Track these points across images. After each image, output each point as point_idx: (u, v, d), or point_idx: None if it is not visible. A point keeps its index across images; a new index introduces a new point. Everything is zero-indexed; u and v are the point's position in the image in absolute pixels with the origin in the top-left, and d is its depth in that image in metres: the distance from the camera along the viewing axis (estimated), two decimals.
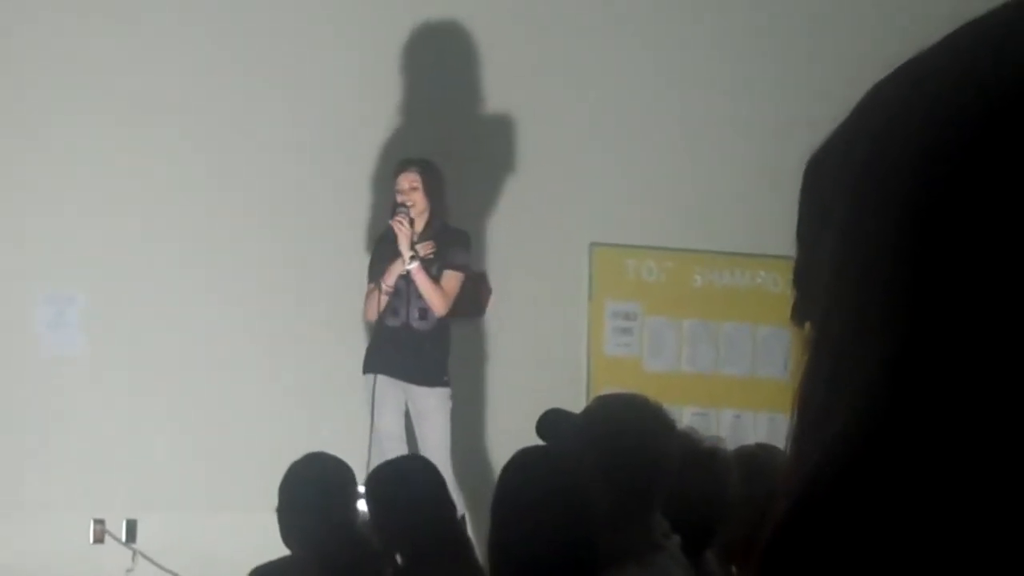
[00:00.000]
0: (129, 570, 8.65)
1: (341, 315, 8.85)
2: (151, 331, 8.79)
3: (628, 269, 9.75)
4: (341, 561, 5.36)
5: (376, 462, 6.82)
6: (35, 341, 8.72)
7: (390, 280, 8.31)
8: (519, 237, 9.44)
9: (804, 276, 0.75)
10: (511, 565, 3.93)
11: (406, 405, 8.35)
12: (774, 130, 9.33)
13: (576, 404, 5.34)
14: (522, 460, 4.08)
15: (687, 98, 9.75)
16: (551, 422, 4.46)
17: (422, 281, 8.27)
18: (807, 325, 0.74)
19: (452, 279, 8.38)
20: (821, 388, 0.71)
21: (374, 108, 9.22)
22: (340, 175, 9.13)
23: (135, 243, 8.82)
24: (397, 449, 8.02)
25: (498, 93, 9.52)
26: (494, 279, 9.17)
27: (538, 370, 9.25)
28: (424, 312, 8.32)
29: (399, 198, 8.31)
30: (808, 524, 0.68)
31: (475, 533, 6.75)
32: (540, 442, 4.35)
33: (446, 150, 8.88)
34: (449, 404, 8.34)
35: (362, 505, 5.62)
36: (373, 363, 8.34)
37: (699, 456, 4.56)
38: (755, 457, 4.75)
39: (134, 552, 8.67)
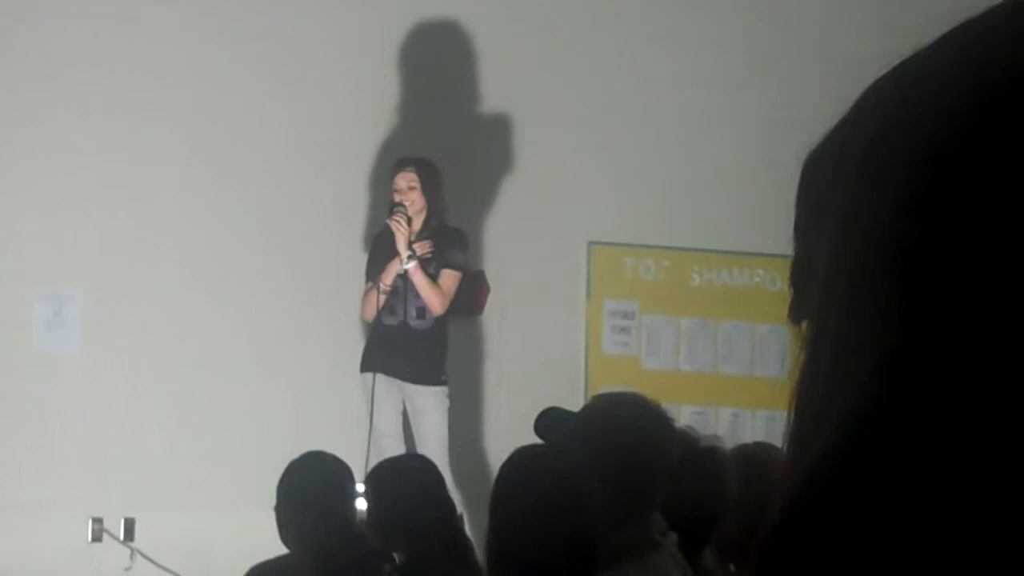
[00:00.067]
0: (127, 568, 8.65)
1: (339, 314, 8.85)
2: (149, 330, 8.79)
3: (626, 268, 9.75)
4: (339, 559, 5.35)
5: (374, 461, 6.82)
6: (33, 339, 8.71)
7: (388, 279, 8.31)
8: (517, 236, 9.44)
9: (801, 274, 0.76)
10: (509, 564, 3.93)
11: (404, 404, 8.36)
12: (771, 129, 9.33)
13: (574, 403, 5.34)
14: (520, 459, 4.07)
15: (685, 97, 9.76)
16: (549, 421, 4.46)
17: (420, 280, 8.27)
18: (804, 323, 0.74)
19: (450, 278, 8.38)
20: (818, 386, 0.71)
21: (372, 107, 9.22)
22: (338, 174, 9.13)
23: (133, 242, 8.82)
24: (395, 448, 8.02)
25: (496, 92, 9.52)
26: (492, 278, 9.17)
27: (536, 369, 9.26)
28: (422, 311, 8.32)
29: (397, 197, 8.31)
30: (806, 522, 0.68)
31: (473, 532, 6.75)
32: (538, 441, 4.35)
33: (444, 149, 8.88)
34: (447, 403, 8.34)
35: (360, 503, 5.62)
36: (371, 362, 8.34)
37: (697, 455, 4.56)
38: (753, 455, 4.75)
39: (132, 551, 8.67)
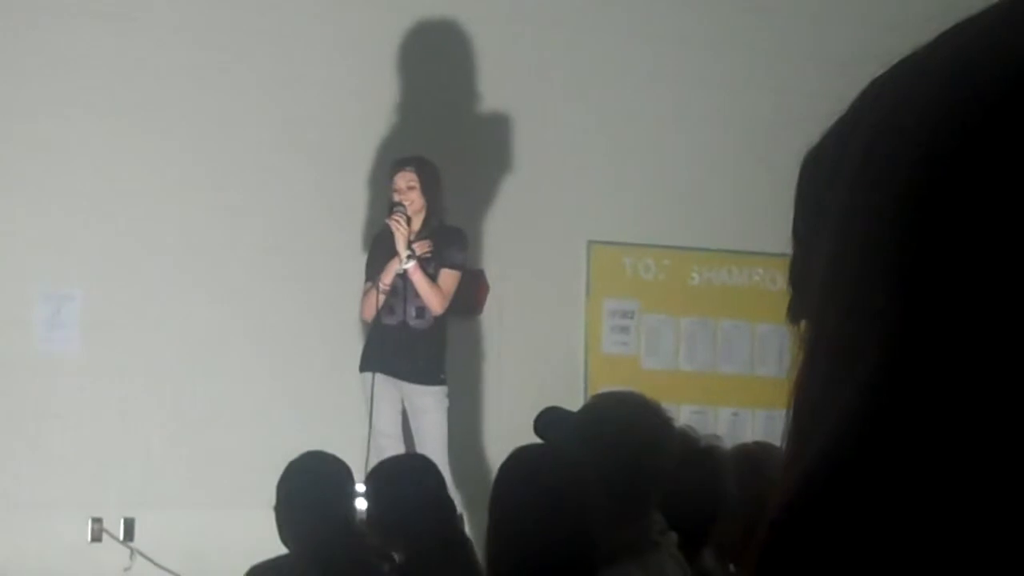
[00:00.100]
0: (127, 568, 8.65)
1: (338, 313, 8.85)
2: (149, 329, 8.79)
3: (626, 267, 9.75)
4: (339, 559, 5.35)
5: (374, 461, 6.82)
6: (33, 339, 8.71)
7: (387, 279, 8.31)
8: (516, 235, 9.44)
9: (800, 274, 0.75)
10: (509, 564, 3.92)
11: (403, 404, 8.36)
12: (771, 128, 9.33)
13: (574, 402, 5.34)
14: (519, 458, 4.07)
15: (684, 96, 9.76)
16: (549, 420, 4.46)
17: (419, 280, 8.27)
18: (803, 323, 0.74)
19: (449, 278, 8.38)
20: (817, 385, 0.71)
21: (371, 107, 9.22)
22: (337, 174, 9.13)
23: (133, 241, 8.82)
24: (394, 447, 8.02)
25: (495, 92, 9.52)
26: (491, 277, 9.17)
27: (536, 368, 9.26)
28: (421, 311, 8.32)
29: (396, 197, 8.30)
30: (805, 521, 0.68)
31: (473, 532, 6.75)
32: (538, 440, 4.35)
33: (443, 148, 8.87)
34: (446, 402, 8.34)
35: (360, 503, 5.62)
36: (370, 362, 8.34)
37: (697, 454, 4.56)
38: (753, 455, 4.75)
39: (132, 550, 8.67)
